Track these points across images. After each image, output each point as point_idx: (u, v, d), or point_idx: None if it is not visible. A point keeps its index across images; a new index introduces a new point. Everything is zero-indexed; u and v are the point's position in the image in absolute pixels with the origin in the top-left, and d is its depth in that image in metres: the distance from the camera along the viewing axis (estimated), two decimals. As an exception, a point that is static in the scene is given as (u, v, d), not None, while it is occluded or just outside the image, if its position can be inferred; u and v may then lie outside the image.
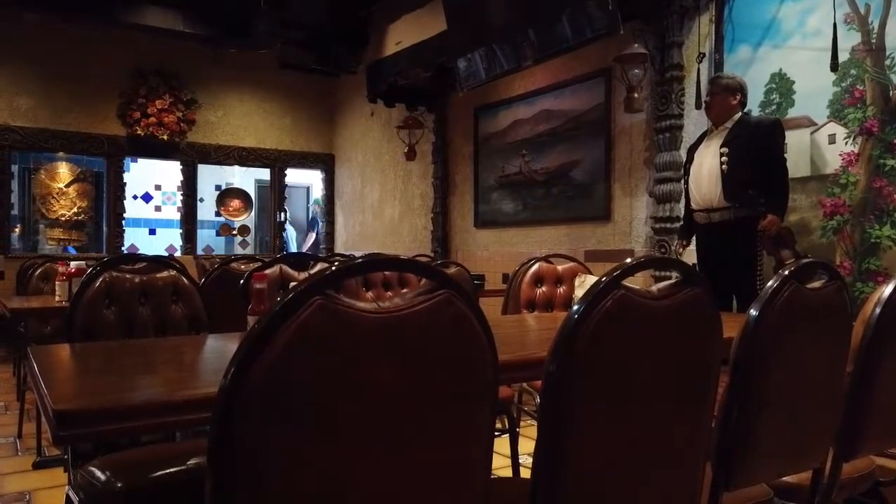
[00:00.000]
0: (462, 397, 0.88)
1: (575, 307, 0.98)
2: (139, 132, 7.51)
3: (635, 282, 1.07)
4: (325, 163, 8.94)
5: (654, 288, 1.07)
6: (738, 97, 3.57)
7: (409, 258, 0.84)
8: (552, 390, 0.99)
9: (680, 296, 1.07)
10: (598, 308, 0.98)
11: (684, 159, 3.98)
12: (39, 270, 3.62)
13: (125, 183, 7.86)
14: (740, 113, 3.59)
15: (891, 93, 3.66)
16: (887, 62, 3.67)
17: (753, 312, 1.21)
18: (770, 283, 1.22)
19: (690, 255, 3.82)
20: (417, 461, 0.86)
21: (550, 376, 0.98)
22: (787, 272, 1.22)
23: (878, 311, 1.43)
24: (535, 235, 5.88)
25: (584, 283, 2.88)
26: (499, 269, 6.07)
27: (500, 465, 2.91)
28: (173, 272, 2.02)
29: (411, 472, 0.85)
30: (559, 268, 3.07)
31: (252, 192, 9.54)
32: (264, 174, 8.98)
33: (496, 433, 2.91)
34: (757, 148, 3.42)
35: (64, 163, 7.79)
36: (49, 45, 7.14)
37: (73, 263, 2.82)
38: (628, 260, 1.06)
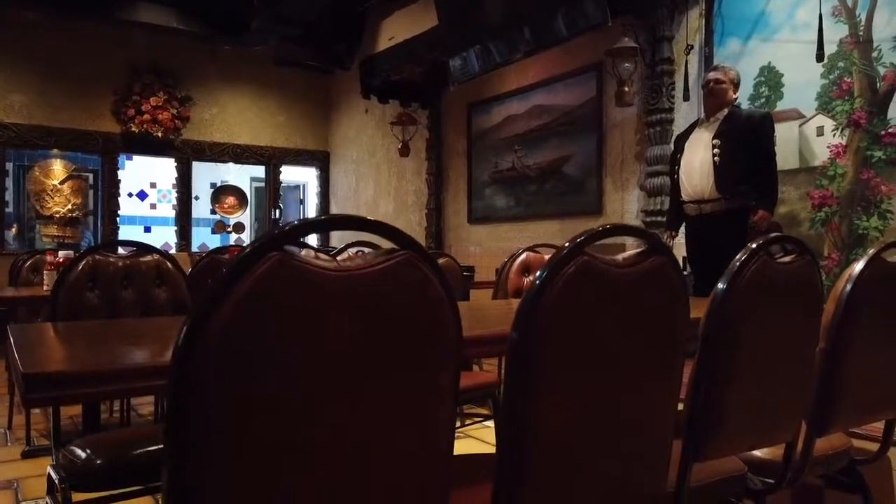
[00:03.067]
0: (425, 356, 0.89)
1: (538, 273, 0.99)
2: (134, 129, 7.51)
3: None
4: (320, 160, 8.95)
5: (620, 256, 1.08)
6: (737, 92, 3.61)
7: (371, 219, 0.85)
8: (516, 359, 1.00)
9: (645, 264, 1.08)
10: (560, 273, 0.99)
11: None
12: (29, 262, 3.63)
13: (120, 180, 7.87)
14: (731, 106, 3.61)
15: (878, 85, 3.68)
16: (874, 54, 3.69)
17: (721, 286, 1.23)
18: (738, 256, 1.23)
19: (679, 247, 3.83)
20: (381, 419, 0.87)
21: (514, 344, 0.99)
22: (754, 245, 1.24)
23: (849, 287, 1.44)
24: (529, 230, 5.89)
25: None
26: (493, 265, 6.06)
27: (488, 452, 2.92)
28: (157, 256, 2.03)
29: (375, 429, 0.86)
30: (546, 257, 3.08)
31: (247, 190, 9.54)
32: (260, 171, 8.99)
33: (480, 419, 2.92)
34: (748, 141, 3.43)
35: (58, 160, 7.79)
36: (43, 42, 7.14)
37: (61, 253, 2.83)
38: (597, 227, 1.07)
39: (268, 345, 0.78)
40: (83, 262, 1.89)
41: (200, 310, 0.75)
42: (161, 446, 1.60)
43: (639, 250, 1.11)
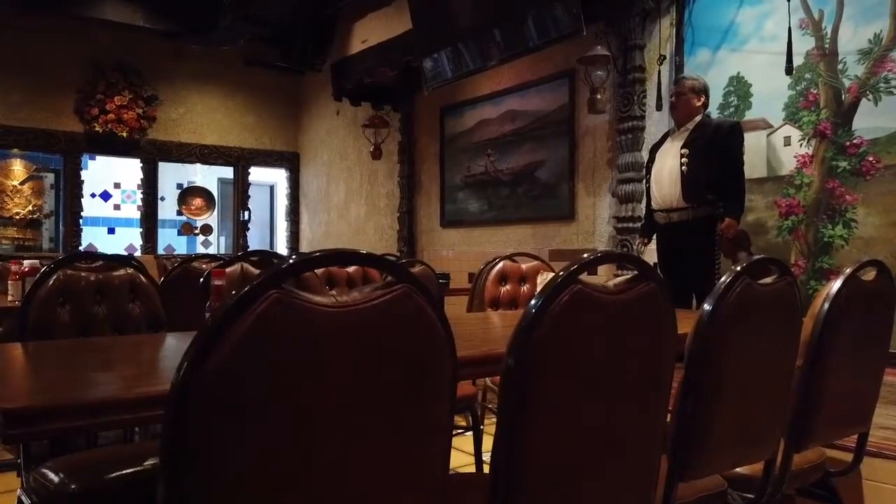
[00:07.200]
0: (421, 389, 0.89)
1: (532, 301, 0.99)
2: (97, 129, 7.33)
3: (600, 278, 1.08)
4: (290, 161, 8.85)
5: (611, 283, 1.09)
6: (702, 99, 3.63)
7: (367, 252, 0.84)
8: (510, 383, 1.00)
9: (635, 290, 1.09)
10: (555, 302, 0.99)
11: (646, 158, 4.05)
12: (-8, 270, 3.51)
13: (83, 181, 7.68)
14: (702, 115, 3.65)
15: (843, 96, 3.78)
16: (840, 66, 3.79)
17: (707, 307, 1.24)
18: (723, 279, 1.25)
19: (651, 254, 3.88)
20: (377, 452, 0.86)
21: (508, 369, 0.99)
22: (738, 268, 1.26)
23: (826, 306, 1.48)
24: (501, 235, 5.92)
25: (546, 281, 2.90)
26: (465, 269, 6.08)
27: (465, 463, 2.93)
28: (130, 270, 1.98)
29: (370, 463, 0.85)
30: (523, 266, 3.10)
31: (215, 191, 9.37)
32: (228, 172, 8.85)
33: (460, 430, 2.93)
34: (717, 150, 3.48)
35: (18, 160, 7.56)
36: (3, 39, 6.92)
37: (26, 262, 2.74)
38: (585, 255, 1.07)
39: (267, 382, 0.77)
40: (54, 277, 1.83)
41: (200, 345, 0.73)
42: (137, 469, 1.57)
43: (628, 276, 1.12)
